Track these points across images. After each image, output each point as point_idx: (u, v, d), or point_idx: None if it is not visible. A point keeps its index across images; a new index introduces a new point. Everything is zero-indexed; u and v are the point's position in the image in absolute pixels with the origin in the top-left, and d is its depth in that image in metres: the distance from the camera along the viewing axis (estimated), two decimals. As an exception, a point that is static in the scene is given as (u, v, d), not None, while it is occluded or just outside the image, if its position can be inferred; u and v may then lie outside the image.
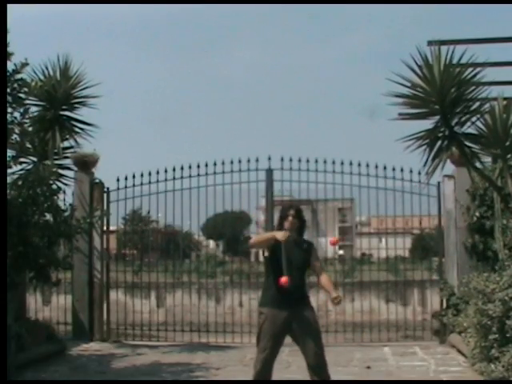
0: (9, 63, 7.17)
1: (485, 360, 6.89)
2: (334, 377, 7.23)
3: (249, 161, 9.88)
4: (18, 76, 7.40)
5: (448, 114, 7.35)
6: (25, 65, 7.45)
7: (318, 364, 5.41)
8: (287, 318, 5.40)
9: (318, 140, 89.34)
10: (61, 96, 9.43)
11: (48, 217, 8.18)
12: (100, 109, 9.76)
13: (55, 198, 8.31)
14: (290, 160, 9.91)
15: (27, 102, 7.89)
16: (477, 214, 9.26)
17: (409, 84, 7.40)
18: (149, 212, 11.28)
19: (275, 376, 7.27)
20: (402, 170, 9.81)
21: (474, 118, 7.49)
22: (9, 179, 7.50)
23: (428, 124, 7.58)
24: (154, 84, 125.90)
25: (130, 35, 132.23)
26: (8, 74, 7.17)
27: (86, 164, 10.10)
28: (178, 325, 10.24)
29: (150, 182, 10.19)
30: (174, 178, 10.12)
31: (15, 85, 7.36)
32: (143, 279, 11.01)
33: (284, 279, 5.24)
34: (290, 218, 5.49)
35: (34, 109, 9.02)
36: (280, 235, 5.26)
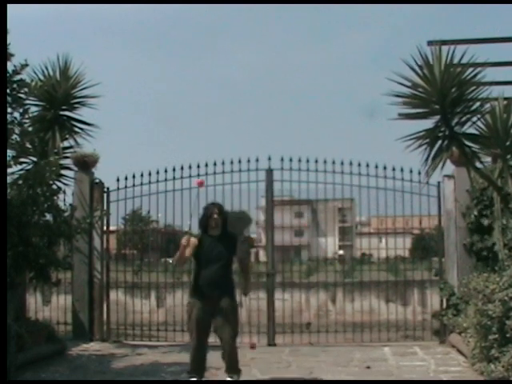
0: (9, 64, 7.18)
1: (485, 360, 6.89)
2: (334, 377, 7.26)
3: (249, 161, 9.88)
4: (18, 77, 7.40)
5: (448, 113, 7.35)
6: (24, 66, 7.45)
7: (230, 351, 6.23)
8: (208, 306, 6.13)
9: (318, 140, 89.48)
10: (61, 96, 9.43)
11: (48, 217, 8.18)
12: (100, 109, 9.77)
13: (55, 198, 8.31)
14: (290, 160, 9.91)
15: (27, 102, 7.89)
16: (476, 213, 9.25)
17: (409, 84, 7.40)
18: (149, 212, 11.27)
19: (275, 375, 7.29)
20: (402, 169, 9.79)
21: (474, 118, 7.49)
22: (9, 179, 7.49)
23: (428, 124, 7.58)
24: (154, 84, 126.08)
25: (130, 36, 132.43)
26: (8, 74, 7.17)
27: (86, 164, 10.09)
28: (178, 325, 10.22)
29: (149, 182, 10.18)
30: (174, 178, 10.10)
31: (14, 85, 7.36)
32: (143, 279, 11.00)
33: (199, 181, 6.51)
34: (215, 216, 6.29)
35: (33, 109, 9.04)
36: (183, 240, 6.18)
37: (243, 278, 6.57)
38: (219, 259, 6.22)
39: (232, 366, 6.41)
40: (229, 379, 6.38)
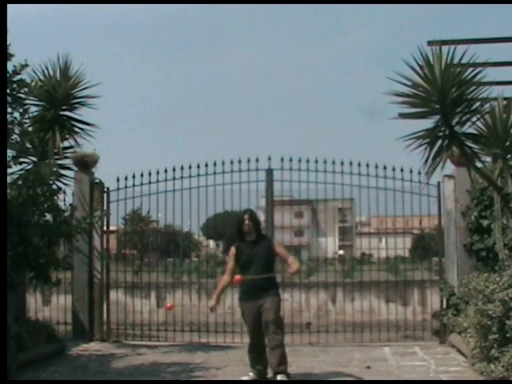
0: (9, 64, 7.17)
1: (485, 360, 6.88)
2: (334, 377, 7.26)
3: (249, 161, 9.88)
4: (18, 77, 7.39)
5: (448, 113, 7.34)
6: (24, 66, 7.43)
7: (273, 346, 6.61)
8: (255, 307, 6.63)
9: (318, 140, 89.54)
10: (61, 96, 9.43)
11: (48, 217, 8.17)
12: (100, 109, 9.77)
13: (55, 198, 8.30)
14: (290, 160, 9.91)
15: (27, 102, 7.88)
16: (476, 213, 9.24)
17: (409, 83, 7.39)
18: (149, 212, 11.27)
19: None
20: (402, 170, 9.79)
21: (474, 118, 7.48)
22: (9, 179, 7.49)
23: (428, 123, 7.57)
24: (154, 84, 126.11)
25: (129, 35, 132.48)
26: (8, 74, 7.17)
27: (85, 164, 10.08)
28: (178, 325, 10.24)
29: (150, 182, 10.18)
30: (174, 178, 10.11)
31: (14, 85, 7.35)
32: (143, 279, 11.00)
33: (236, 278, 6.65)
34: (246, 222, 6.69)
35: (33, 109, 9.03)
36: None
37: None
38: (258, 262, 6.67)
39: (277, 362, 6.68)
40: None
